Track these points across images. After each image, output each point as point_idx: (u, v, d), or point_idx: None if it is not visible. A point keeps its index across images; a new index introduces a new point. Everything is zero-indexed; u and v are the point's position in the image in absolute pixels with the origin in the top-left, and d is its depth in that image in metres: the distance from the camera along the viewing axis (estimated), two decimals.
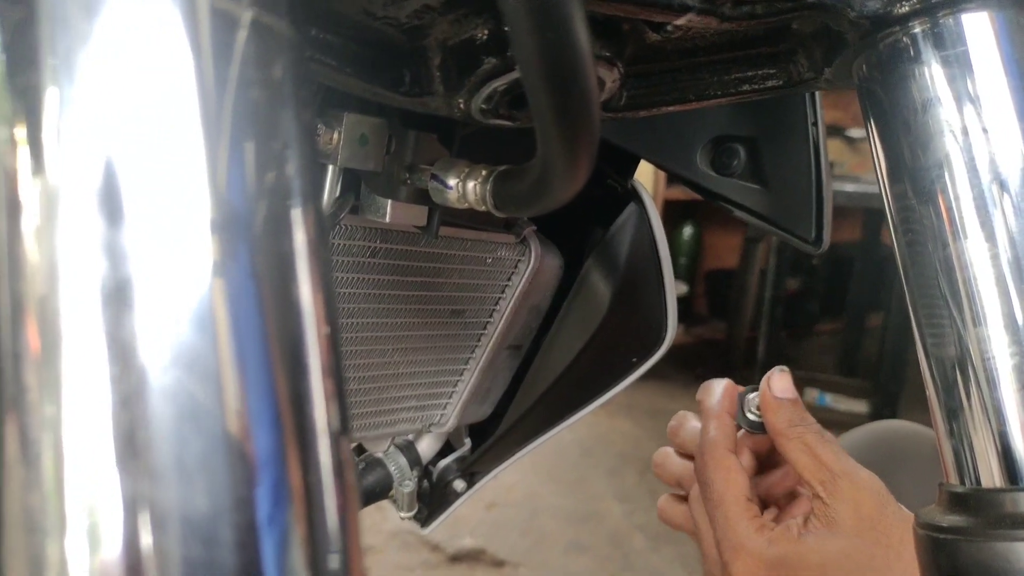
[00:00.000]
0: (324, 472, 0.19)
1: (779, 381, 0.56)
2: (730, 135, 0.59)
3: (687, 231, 3.30)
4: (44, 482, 0.17)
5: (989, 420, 0.33)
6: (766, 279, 2.88)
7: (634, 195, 0.63)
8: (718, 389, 0.59)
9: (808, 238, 0.56)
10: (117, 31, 0.17)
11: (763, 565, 0.52)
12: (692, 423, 0.61)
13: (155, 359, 0.17)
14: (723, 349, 3.24)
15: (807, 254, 0.58)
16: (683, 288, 3.21)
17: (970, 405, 0.33)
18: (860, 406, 2.74)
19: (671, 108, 0.40)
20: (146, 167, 0.17)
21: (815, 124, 0.57)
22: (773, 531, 0.53)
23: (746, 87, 0.40)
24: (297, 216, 0.19)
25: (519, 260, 0.58)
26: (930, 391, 0.35)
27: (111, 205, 0.17)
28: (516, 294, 0.59)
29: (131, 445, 0.16)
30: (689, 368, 3.05)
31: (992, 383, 0.32)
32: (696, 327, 3.29)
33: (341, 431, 0.19)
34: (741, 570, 0.52)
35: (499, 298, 0.59)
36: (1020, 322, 0.32)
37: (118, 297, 0.17)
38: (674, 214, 3.18)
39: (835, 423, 2.49)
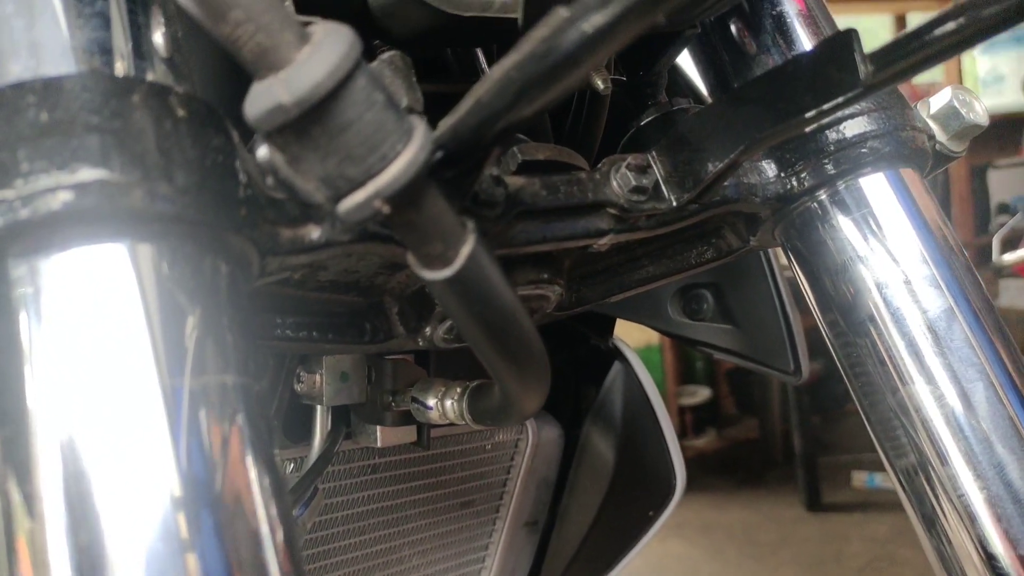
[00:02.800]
0: None
1: None
2: (695, 283, 0.62)
3: None
4: None
5: (982, 557, 0.33)
6: None
7: (617, 353, 0.65)
8: None
9: (787, 370, 0.58)
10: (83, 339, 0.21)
11: None
12: None
13: None
14: (759, 447, 3.16)
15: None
16: (707, 393, 3.18)
17: (959, 544, 0.34)
18: None
19: (620, 296, 0.43)
20: (113, 454, 0.20)
21: (769, 261, 0.60)
22: None
23: (684, 264, 0.43)
24: (250, 463, 0.22)
25: (518, 439, 0.60)
26: (919, 531, 0.36)
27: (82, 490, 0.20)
28: (522, 473, 0.60)
29: None
30: (729, 473, 2.97)
31: (973, 519, 0.33)
32: (727, 429, 3.23)
33: None
34: None
35: (506, 479, 0.61)
36: (979, 455, 0.33)
37: None
38: None
39: (891, 504, 2.40)
